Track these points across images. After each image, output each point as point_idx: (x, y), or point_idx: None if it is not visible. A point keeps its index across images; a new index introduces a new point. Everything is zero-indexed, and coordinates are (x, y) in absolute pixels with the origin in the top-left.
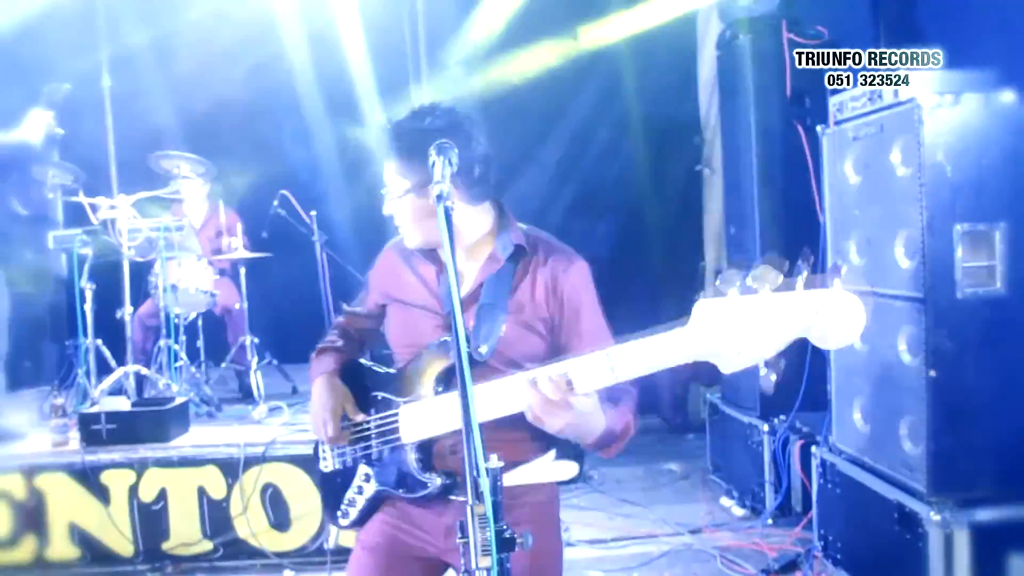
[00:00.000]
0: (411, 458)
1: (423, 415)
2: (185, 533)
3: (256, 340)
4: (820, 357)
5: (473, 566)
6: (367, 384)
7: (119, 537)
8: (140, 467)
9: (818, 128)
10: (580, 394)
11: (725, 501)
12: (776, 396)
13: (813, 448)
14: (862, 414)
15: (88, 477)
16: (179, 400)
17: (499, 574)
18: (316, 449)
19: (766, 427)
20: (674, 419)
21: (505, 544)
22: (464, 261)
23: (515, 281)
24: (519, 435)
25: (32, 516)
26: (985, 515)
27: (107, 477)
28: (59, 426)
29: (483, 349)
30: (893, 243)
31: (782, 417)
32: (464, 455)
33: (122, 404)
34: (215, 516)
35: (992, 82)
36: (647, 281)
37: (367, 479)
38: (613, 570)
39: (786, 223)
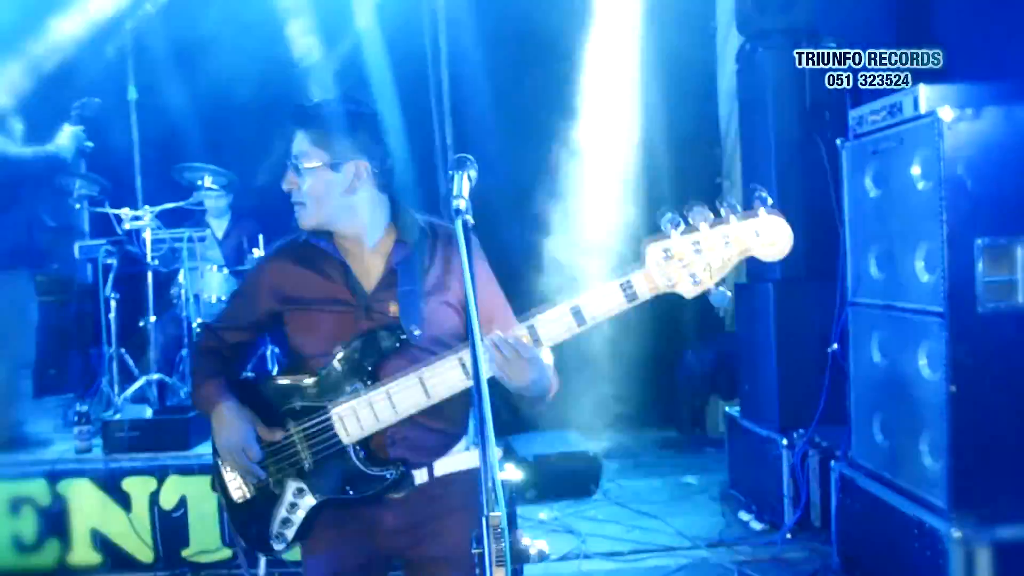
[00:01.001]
0: (355, 457)
1: (361, 411)
2: (205, 540)
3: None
4: (840, 371)
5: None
6: (273, 399)
7: (140, 544)
8: (161, 474)
9: (838, 141)
10: (547, 347)
11: (744, 515)
12: (795, 410)
13: (832, 463)
14: (882, 429)
15: (110, 484)
16: None
17: None
18: (220, 482)
19: (785, 441)
20: (693, 432)
21: (520, 555)
22: (368, 251)
23: (424, 264)
24: (441, 423)
25: (55, 521)
26: (1007, 532)
27: (129, 484)
28: (83, 433)
29: (416, 331)
30: (913, 257)
31: (801, 431)
32: (480, 466)
33: (144, 412)
34: None
35: (1014, 95)
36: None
37: (300, 493)
38: None
39: (805, 236)
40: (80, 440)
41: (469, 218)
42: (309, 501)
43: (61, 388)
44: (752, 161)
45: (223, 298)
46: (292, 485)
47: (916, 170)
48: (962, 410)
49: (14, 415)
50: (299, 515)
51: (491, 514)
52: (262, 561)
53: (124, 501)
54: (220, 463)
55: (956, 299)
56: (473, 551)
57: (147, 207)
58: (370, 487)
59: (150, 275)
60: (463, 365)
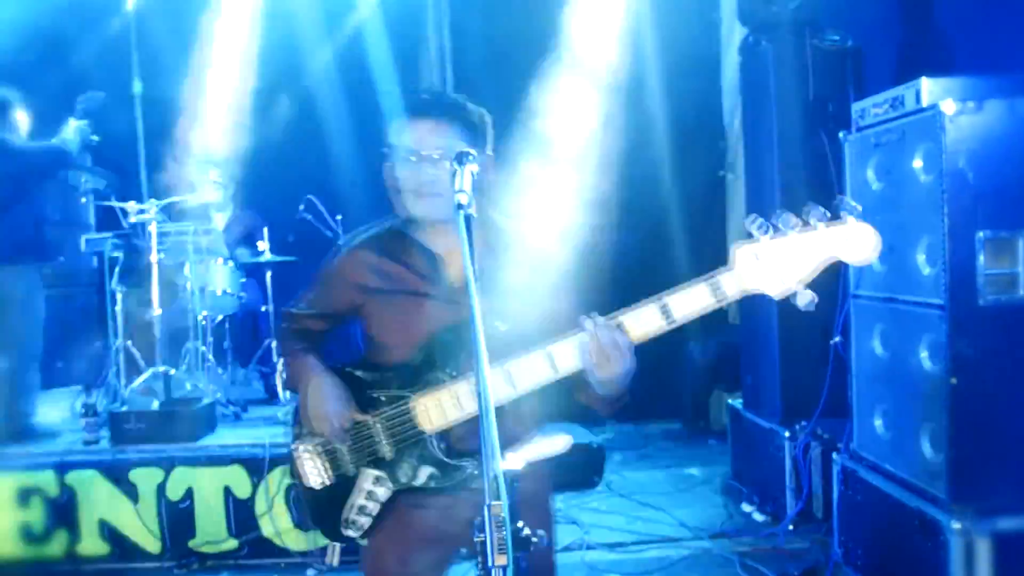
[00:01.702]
0: (436, 447)
1: (446, 402)
2: (211, 531)
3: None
4: (842, 363)
5: (490, 564)
6: (354, 388)
7: (147, 534)
8: (168, 466)
9: (840, 134)
10: (635, 341)
11: (746, 507)
12: (798, 402)
13: (834, 454)
14: (883, 421)
15: (118, 475)
16: (206, 400)
17: (515, 573)
18: (298, 469)
19: (787, 433)
20: (695, 424)
21: (521, 543)
22: (457, 247)
23: (502, 255)
24: (511, 415)
25: (64, 512)
26: (1007, 524)
27: (136, 475)
28: (90, 425)
29: (501, 325)
30: (915, 250)
31: (803, 423)
32: (481, 458)
33: (151, 404)
34: (240, 515)
35: (1016, 88)
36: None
37: (378, 482)
38: (632, 574)
39: None
40: (87, 432)
41: (472, 211)
42: (387, 490)
43: (68, 380)
44: (755, 154)
45: (229, 291)
46: (370, 473)
47: (918, 163)
48: (963, 402)
49: (23, 407)
50: (375, 504)
51: (492, 503)
52: (336, 549)
53: (131, 492)
54: (297, 450)
55: (957, 292)
56: (475, 539)
57: (153, 200)
58: (451, 477)
59: (155, 268)
60: (551, 358)
